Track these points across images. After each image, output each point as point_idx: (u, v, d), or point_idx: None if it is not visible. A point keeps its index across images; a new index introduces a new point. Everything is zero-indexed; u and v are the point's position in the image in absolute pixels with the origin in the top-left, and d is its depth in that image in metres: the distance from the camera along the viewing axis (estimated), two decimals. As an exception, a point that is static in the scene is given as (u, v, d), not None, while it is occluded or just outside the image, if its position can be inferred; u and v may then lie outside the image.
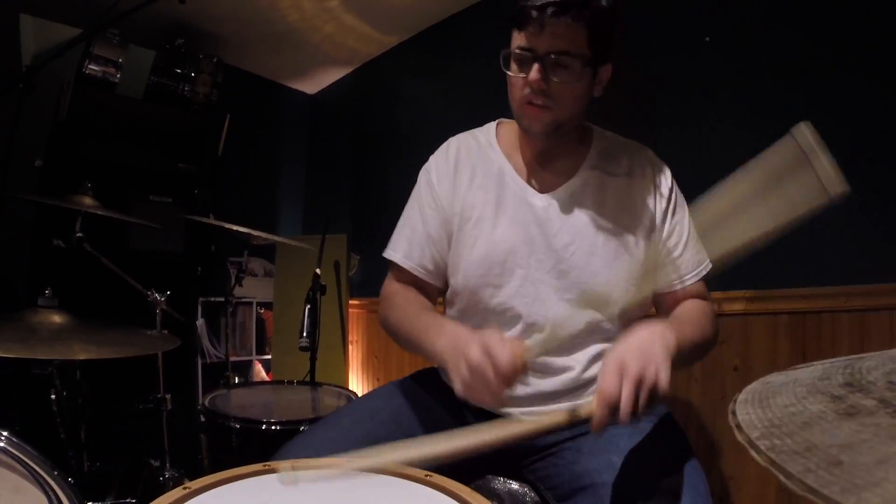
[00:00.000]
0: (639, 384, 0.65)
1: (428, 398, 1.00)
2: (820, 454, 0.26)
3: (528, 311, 0.93)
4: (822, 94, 1.44)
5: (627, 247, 0.93)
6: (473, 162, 1.01)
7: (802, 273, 1.43)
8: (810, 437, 0.28)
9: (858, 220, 1.36)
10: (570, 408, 0.71)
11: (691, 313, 0.91)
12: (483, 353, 0.69)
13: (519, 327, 0.94)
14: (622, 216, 0.94)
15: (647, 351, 0.68)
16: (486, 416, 0.96)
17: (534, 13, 0.81)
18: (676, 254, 0.94)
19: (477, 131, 1.07)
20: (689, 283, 0.94)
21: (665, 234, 0.95)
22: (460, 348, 0.72)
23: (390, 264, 1.05)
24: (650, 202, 0.95)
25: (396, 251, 1.03)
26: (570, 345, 0.92)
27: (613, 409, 0.65)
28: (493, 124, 1.07)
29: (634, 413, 0.65)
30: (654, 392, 0.66)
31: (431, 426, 0.94)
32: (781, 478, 0.26)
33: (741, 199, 0.63)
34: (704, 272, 0.94)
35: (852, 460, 0.25)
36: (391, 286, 1.04)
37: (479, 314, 0.97)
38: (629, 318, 0.90)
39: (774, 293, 1.47)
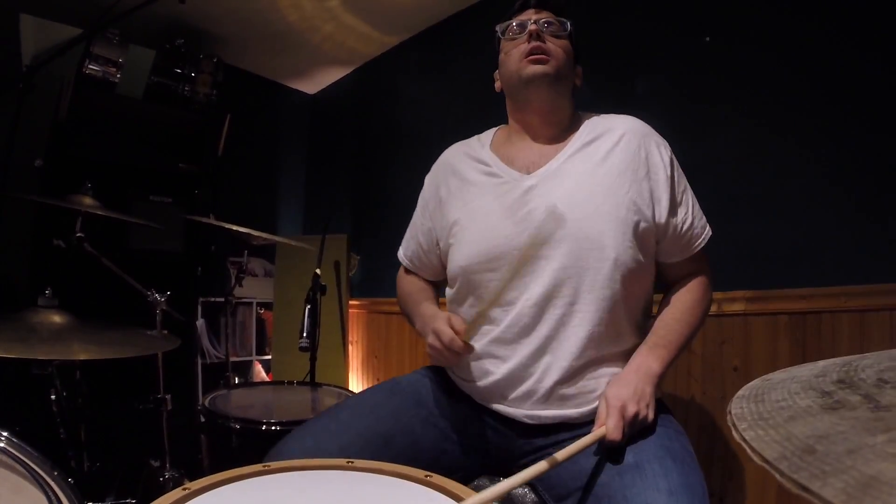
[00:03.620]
0: (633, 421, 0.82)
1: (427, 395, 1.02)
2: (797, 443, 0.29)
3: (527, 290, 0.92)
4: (822, 94, 1.44)
5: (622, 209, 0.91)
6: (464, 162, 1.07)
7: (802, 273, 1.43)
8: (792, 428, 0.30)
9: (858, 220, 1.37)
10: (578, 444, 0.75)
11: (683, 309, 0.97)
12: (434, 336, 0.90)
13: (518, 305, 0.92)
14: (613, 180, 0.93)
15: (641, 392, 0.85)
16: (481, 409, 0.98)
17: (518, 1, 1.05)
18: (688, 224, 0.97)
19: (475, 136, 1.14)
20: (698, 249, 0.99)
21: (675, 205, 0.96)
22: (424, 332, 0.97)
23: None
24: (641, 168, 0.95)
25: (402, 251, 1.22)
26: (572, 319, 0.90)
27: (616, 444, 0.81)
28: (492, 129, 1.13)
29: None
30: (643, 424, 0.84)
31: (430, 422, 0.97)
32: (770, 470, 0.28)
33: None
34: (708, 237, 0.99)
35: (826, 449, 0.27)
36: (400, 272, 1.25)
37: (477, 297, 0.99)
38: (627, 277, 0.91)
39: (774, 293, 1.47)
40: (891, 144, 1.32)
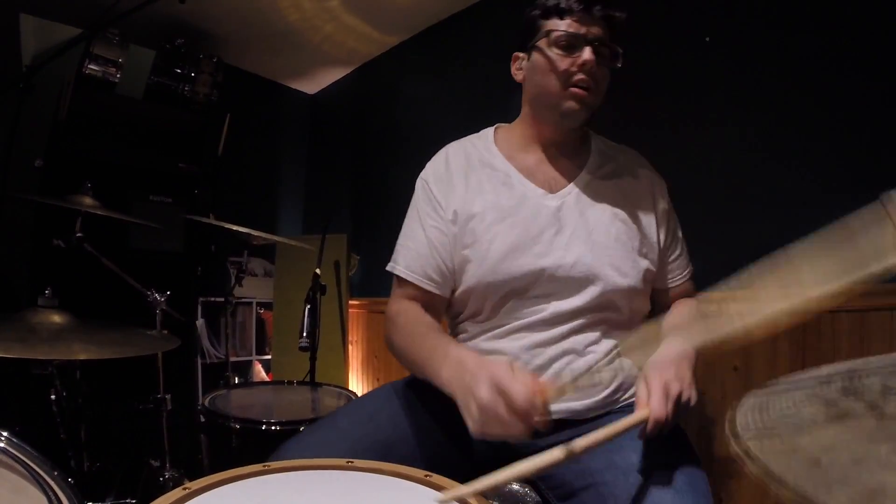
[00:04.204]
0: (677, 401, 0.75)
1: (427, 399, 0.98)
2: (803, 455, 0.28)
3: (546, 307, 0.93)
4: (822, 94, 1.44)
5: (636, 239, 0.97)
6: (473, 165, 1.01)
7: (802, 273, 1.43)
8: (798, 439, 0.30)
9: (858, 221, 1.36)
10: (619, 426, 0.69)
11: (689, 314, 1.00)
12: (493, 392, 0.64)
13: (533, 322, 0.93)
14: (628, 211, 0.98)
15: (683, 374, 0.78)
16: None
17: (580, 5, 0.90)
18: (677, 253, 1.04)
19: (473, 137, 1.07)
20: (687, 278, 1.05)
21: (670, 237, 1.02)
22: (468, 385, 0.68)
23: (395, 281, 1.04)
24: (650, 201, 1.01)
25: (398, 263, 1.02)
26: (586, 342, 0.93)
27: (662, 425, 0.72)
28: (489, 130, 1.08)
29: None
30: (687, 408, 0.77)
31: (429, 427, 0.94)
32: (769, 481, 0.28)
33: (812, 259, 0.53)
34: (691, 273, 1.06)
35: (831, 460, 0.27)
36: (396, 305, 1.01)
37: (490, 313, 0.96)
38: (636, 308, 0.98)
39: (774, 293, 1.46)
40: (891, 144, 1.32)
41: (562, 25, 0.91)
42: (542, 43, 0.93)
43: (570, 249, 0.93)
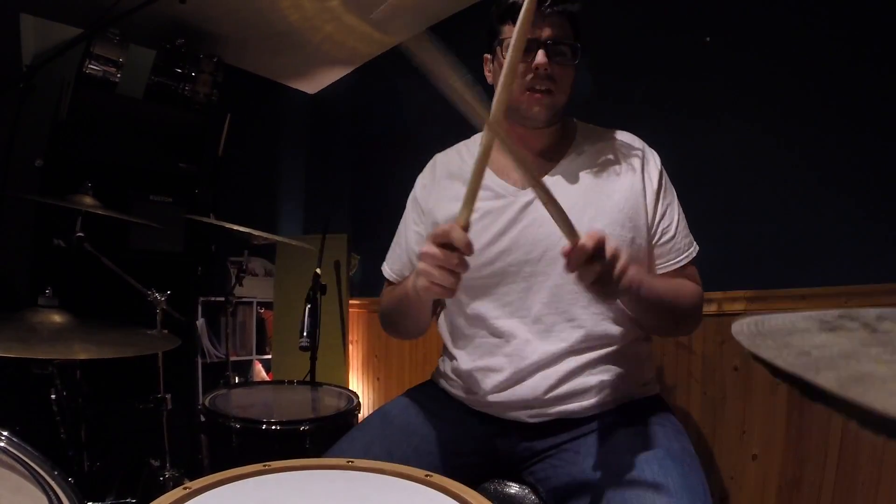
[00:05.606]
0: (611, 257, 0.71)
1: (418, 420, 0.99)
2: (794, 349, 0.31)
3: (525, 302, 0.93)
4: (823, 94, 1.44)
5: (615, 225, 0.92)
6: (455, 174, 1.04)
7: (802, 273, 1.43)
8: (791, 340, 0.33)
9: (858, 220, 1.36)
10: (568, 224, 0.69)
11: (673, 281, 0.95)
12: (429, 241, 0.72)
13: (515, 317, 0.94)
14: (609, 196, 0.94)
15: (628, 259, 0.74)
16: (478, 416, 0.97)
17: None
18: (669, 236, 0.96)
19: (461, 144, 1.11)
20: (681, 264, 0.97)
21: (658, 216, 0.96)
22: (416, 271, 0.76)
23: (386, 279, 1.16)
24: (637, 183, 0.95)
25: (386, 263, 1.16)
26: (564, 325, 0.92)
27: (584, 255, 0.69)
28: (479, 135, 1.06)
29: (594, 278, 0.71)
30: (610, 272, 0.71)
31: (423, 450, 0.94)
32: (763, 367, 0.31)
33: None
34: (694, 254, 0.98)
35: (820, 353, 0.29)
36: (383, 291, 1.16)
37: (471, 308, 0.98)
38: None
39: (774, 293, 1.47)
40: (891, 144, 1.32)
41: (512, 31, 0.90)
42: (500, 49, 0.93)
43: (537, 243, 0.92)
